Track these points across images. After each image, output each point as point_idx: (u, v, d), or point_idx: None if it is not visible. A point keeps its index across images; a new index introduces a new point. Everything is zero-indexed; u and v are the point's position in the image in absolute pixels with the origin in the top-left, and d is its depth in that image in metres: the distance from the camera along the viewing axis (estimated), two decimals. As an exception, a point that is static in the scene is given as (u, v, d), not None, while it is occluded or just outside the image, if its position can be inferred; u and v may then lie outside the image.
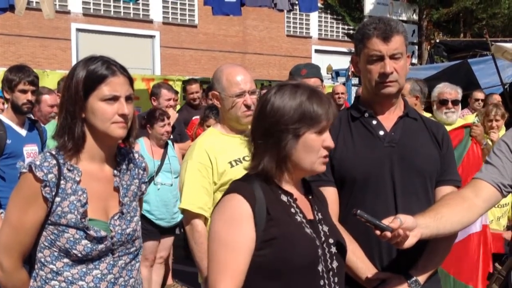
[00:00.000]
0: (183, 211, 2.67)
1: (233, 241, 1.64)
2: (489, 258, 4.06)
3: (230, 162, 2.64)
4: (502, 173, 2.09)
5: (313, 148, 1.71)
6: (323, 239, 1.75)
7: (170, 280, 5.65)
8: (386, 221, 1.78)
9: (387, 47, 2.12)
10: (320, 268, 1.70)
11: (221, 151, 2.66)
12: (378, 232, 1.77)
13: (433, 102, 4.40)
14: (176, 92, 6.31)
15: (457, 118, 4.36)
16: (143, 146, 4.74)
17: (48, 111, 5.30)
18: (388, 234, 1.76)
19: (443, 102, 4.38)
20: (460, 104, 4.48)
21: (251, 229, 1.65)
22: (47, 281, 1.88)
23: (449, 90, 4.43)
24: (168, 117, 4.94)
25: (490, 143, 5.29)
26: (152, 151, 4.78)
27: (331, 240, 1.77)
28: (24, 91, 3.94)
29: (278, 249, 1.65)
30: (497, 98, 6.96)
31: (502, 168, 2.09)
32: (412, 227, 1.81)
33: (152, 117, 4.81)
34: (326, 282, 1.72)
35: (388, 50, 2.12)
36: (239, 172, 2.52)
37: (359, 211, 1.74)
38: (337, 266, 1.76)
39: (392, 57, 2.13)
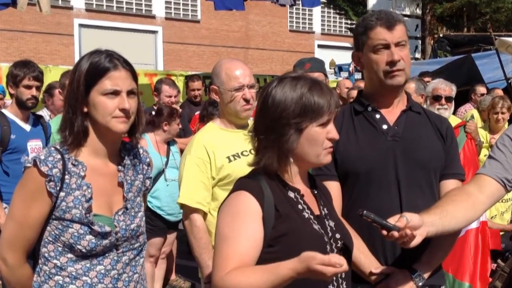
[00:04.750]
0: (182, 206, 2.67)
1: (237, 236, 1.62)
2: (488, 255, 4.06)
3: (228, 157, 2.64)
4: (506, 168, 2.07)
5: (317, 141, 1.70)
6: (330, 234, 1.74)
7: (173, 275, 5.67)
8: (392, 220, 1.77)
9: (392, 35, 2.12)
10: None
11: (219, 146, 2.66)
12: (384, 232, 1.76)
13: (426, 97, 4.37)
14: (178, 90, 6.30)
15: (449, 115, 4.33)
16: (149, 143, 4.77)
17: (60, 104, 5.31)
18: (395, 234, 1.75)
19: (436, 98, 4.35)
20: (453, 102, 4.46)
21: (259, 225, 1.63)
22: (50, 276, 1.88)
23: (444, 87, 4.39)
24: (180, 115, 5.07)
25: (482, 139, 5.30)
26: (158, 147, 4.82)
27: (337, 236, 1.76)
28: (28, 87, 3.95)
29: (287, 246, 1.64)
30: (499, 93, 6.95)
31: (506, 162, 2.07)
32: (418, 225, 1.80)
33: (170, 115, 4.86)
34: (334, 277, 1.70)
35: (393, 38, 2.12)
36: (237, 166, 2.53)
37: (365, 211, 1.72)
38: None
39: (397, 45, 2.13)
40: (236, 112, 2.70)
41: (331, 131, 1.72)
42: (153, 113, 4.88)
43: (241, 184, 1.72)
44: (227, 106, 2.71)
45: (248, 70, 2.77)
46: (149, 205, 4.62)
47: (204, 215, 2.66)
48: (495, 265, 5.04)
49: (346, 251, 1.78)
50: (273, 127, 1.69)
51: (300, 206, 1.73)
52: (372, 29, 2.13)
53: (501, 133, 5.47)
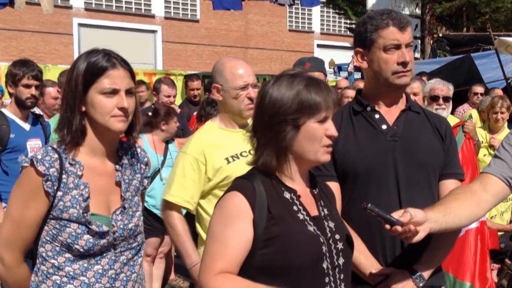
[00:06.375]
0: (167, 202, 2.68)
1: (225, 237, 1.64)
2: (486, 254, 4.06)
3: (227, 158, 2.63)
4: (511, 167, 2.06)
5: (315, 137, 1.69)
6: (329, 235, 1.73)
7: (172, 275, 5.67)
8: (395, 215, 1.76)
9: (404, 36, 2.13)
10: (324, 265, 1.68)
11: (218, 147, 2.65)
12: (388, 227, 1.76)
13: (424, 97, 4.37)
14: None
15: (447, 115, 4.33)
16: (145, 142, 4.76)
17: (52, 103, 5.32)
18: (399, 228, 1.75)
19: (434, 98, 4.34)
20: (451, 101, 4.45)
21: (247, 227, 1.64)
22: (48, 276, 1.87)
23: (441, 87, 4.38)
24: (177, 114, 5.08)
25: (481, 139, 5.29)
26: (155, 147, 4.81)
27: (337, 236, 1.75)
28: (28, 86, 3.94)
29: (280, 248, 1.64)
30: (499, 92, 6.94)
31: (511, 162, 2.06)
32: (422, 221, 1.80)
33: (167, 114, 4.86)
34: (332, 279, 1.70)
35: (404, 39, 2.13)
36: (236, 168, 2.51)
37: (369, 204, 1.72)
38: (344, 263, 1.74)
39: (407, 46, 2.15)
40: (240, 110, 2.69)
41: (330, 128, 1.71)
42: (150, 113, 4.89)
43: (235, 185, 1.72)
44: (231, 104, 2.69)
45: (251, 69, 2.77)
46: (145, 204, 4.62)
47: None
48: (495, 264, 5.05)
49: (346, 252, 1.77)
50: (271, 124, 1.69)
51: (295, 207, 1.72)
52: (385, 28, 2.13)
53: (502, 133, 5.46)
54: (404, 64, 2.13)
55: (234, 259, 1.63)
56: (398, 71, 2.14)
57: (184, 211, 2.77)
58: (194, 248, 2.63)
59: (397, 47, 2.13)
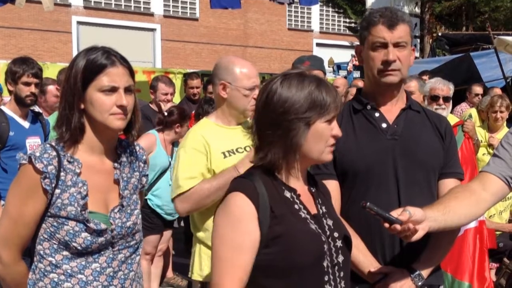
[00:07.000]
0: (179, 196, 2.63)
1: (238, 241, 1.61)
2: (485, 254, 4.07)
3: (223, 153, 2.63)
4: (510, 166, 2.05)
5: (323, 137, 1.70)
6: (328, 233, 1.73)
7: (170, 273, 5.67)
8: (394, 213, 1.76)
9: (392, 34, 2.11)
10: (325, 263, 1.68)
11: (215, 141, 2.65)
12: (387, 225, 1.76)
13: (424, 97, 4.36)
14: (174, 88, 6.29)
15: (447, 115, 4.32)
16: (158, 140, 4.76)
17: (54, 101, 5.31)
18: (398, 227, 1.74)
19: (434, 98, 4.33)
20: (451, 101, 4.44)
21: (255, 228, 1.62)
22: (46, 273, 1.87)
23: (441, 86, 4.36)
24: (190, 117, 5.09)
25: (480, 138, 5.29)
26: (166, 146, 4.82)
27: (336, 234, 1.75)
28: (27, 84, 3.94)
29: (284, 247, 1.63)
30: (498, 91, 6.95)
31: (510, 161, 2.06)
32: (421, 220, 1.80)
33: (182, 117, 4.86)
34: (331, 277, 1.70)
35: (392, 37, 2.11)
36: (232, 163, 2.51)
37: (368, 203, 1.72)
38: (343, 260, 1.74)
39: (396, 45, 2.12)
40: (245, 110, 2.71)
41: (335, 128, 1.72)
42: (166, 113, 4.89)
43: (235, 186, 1.70)
44: (237, 103, 2.70)
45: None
46: (149, 202, 4.63)
47: None
48: (493, 264, 5.06)
49: (345, 250, 1.77)
50: (280, 122, 1.67)
51: (296, 206, 1.71)
52: (374, 26, 2.13)
53: (501, 132, 5.46)
54: (387, 63, 2.12)
55: (249, 264, 1.61)
56: (382, 69, 2.13)
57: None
58: (224, 171, 2.56)
59: (384, 45, 2.12)
